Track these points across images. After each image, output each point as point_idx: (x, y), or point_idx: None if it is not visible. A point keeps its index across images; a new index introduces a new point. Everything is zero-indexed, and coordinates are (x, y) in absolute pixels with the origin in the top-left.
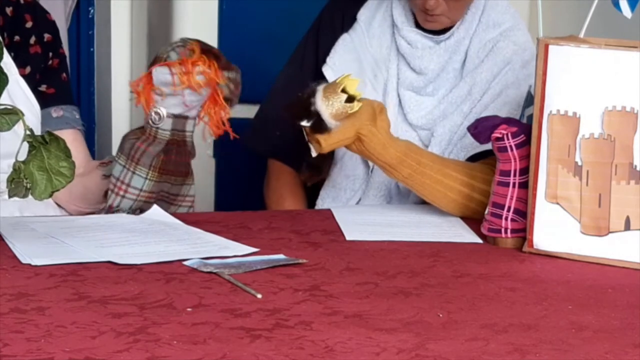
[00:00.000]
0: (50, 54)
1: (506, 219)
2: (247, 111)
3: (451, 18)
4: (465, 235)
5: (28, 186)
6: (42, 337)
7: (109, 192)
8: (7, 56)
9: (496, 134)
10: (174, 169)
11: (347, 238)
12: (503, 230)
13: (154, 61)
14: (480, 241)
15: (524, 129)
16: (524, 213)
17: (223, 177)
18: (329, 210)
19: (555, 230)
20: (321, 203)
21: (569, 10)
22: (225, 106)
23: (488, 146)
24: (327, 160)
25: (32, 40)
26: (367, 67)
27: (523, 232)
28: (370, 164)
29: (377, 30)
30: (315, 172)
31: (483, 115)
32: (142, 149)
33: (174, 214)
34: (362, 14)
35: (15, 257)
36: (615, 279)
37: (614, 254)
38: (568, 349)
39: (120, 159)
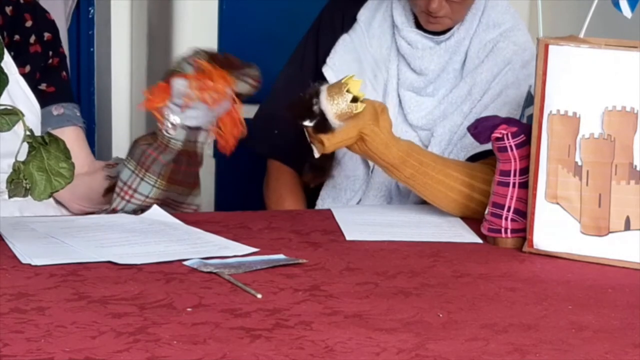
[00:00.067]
0: (50, 53)
1: (506, 219)
2: (247, 111)
3: (454, 19)
4: (465, 235)
5: (27, 187)
6: (42, 337)
7: (115, 195)
8: (7, 55)
9: (496, 134)
10: (183, 179)
11: (347, 238)
12: (503, 230)
13: (170, 72)
14: (480, 241)
15: (524, 129)
16: (524, 213)
17: (223, 177)
18: (329, 210)
19: (555, 230)
20: (321, 203)
21: (569, 10)
22: (240, 125)
23: (488, 146)
24: (330, 161)
25: (32, 39)
26: (367, 67)
27: (523, 232)
28: (371, 164)
29: (377, 30)
30: (319, 173)
31: (483, 115)
32: (153, 156)
33: (174, 214)
34: (362, 14)
35: (15, 257)
36: (615, 279)
37: (614, 254)
38: (568, 349)
39: (130, 164)
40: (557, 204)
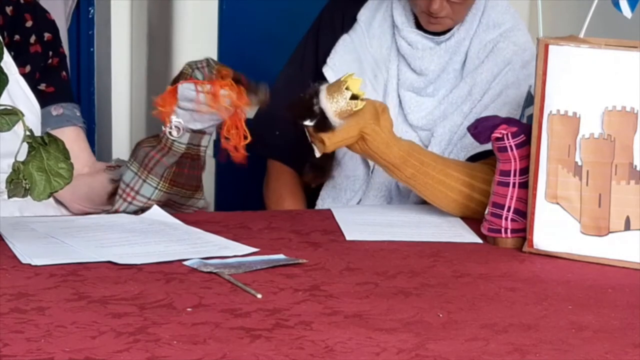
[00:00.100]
0: (50, 53)
1: (506, 219)
2: (247, 111)
3: (454, 20)
4: (465, 235)
5: (27, 187)
6: (42, 337)
7: (117, 197)
8: (7, 55)
9: (496, 134)
10: (185, 182)
11: (347, 238)
12: (503, 230)
13: (178, 77)
14: (480, 241)
15: (524, 129)
16: (524, 213)
17: (223, 177)
18: (329, 210)
19: (555, 230)
20: (321, 203)
21: (569, 10)
22: (246, 131)
23: (488, 146)
24: (331, 161)
25: (32, 39)
26: (367, 67)
27: (523, 232)
28: (371, 164)
29: (377, 30)
30: (319, 173)
31: (483, 115)
32: (156, 158)
33: (174, 214)
34: (362, 15)
35: (15, 257)
36: (615, 279)
37: (614, 254)
38: (568, 349)
39: (133, 166)
40: (557, 204)
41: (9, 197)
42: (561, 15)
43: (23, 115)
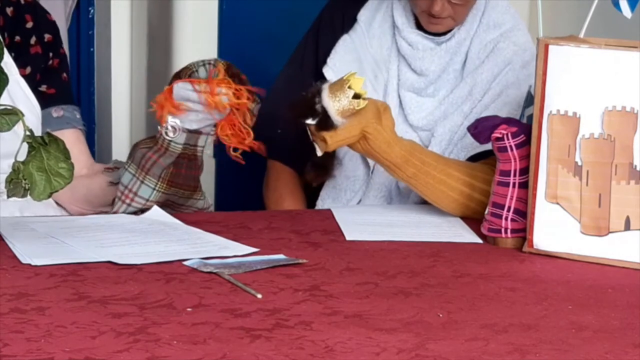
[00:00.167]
0: (51, 54)
1: (506, 219)
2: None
3: (456, 20)
4: (465, 235)
5: (27, 187)
6: (42, 337)
7: (116, 199)
8: (7, 56)
9: (496, 134)
10: (183, 183)
11: (347, 238)
12: (503, 230)
13: (179, 74)
14: (480, 241)
15: (524, 129)
16: (524, 213)
17: (223, 177)
18: (329, 210)
19: (555, 230)
20: (321, 204)
21: (569, 10)
22: (246, 130)
23: (488, 146)
24: (332, 160)
25: (33, 40)
26: (367, 67)
27: (523, 232)
28: (371, 165)
29: (377, 31)
30: (321, 172)
31: (483, 115)
32: (153, 159)
33: (174, 214)
34: (363, 15)
35: (15, 257)
36: (615, 279)
37: (614, 254)
38: (568, 349)
39: (131, 168)
40: (557, 204)
41: (9, 197)
42: (561, 15)
43: (23, 115)
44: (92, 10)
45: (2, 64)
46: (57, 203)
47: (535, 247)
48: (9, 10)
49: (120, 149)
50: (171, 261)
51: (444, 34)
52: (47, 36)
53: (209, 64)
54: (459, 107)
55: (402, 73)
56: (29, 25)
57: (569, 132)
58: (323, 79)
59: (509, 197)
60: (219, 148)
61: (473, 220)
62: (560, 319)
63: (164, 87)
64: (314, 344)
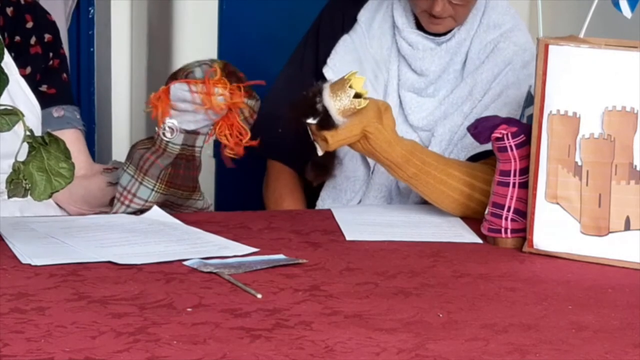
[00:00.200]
0: (51, 54)
1: (506, 219)
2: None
3: (457, 21)
4: (465, 235)
5: (27, 187)
6: (42, 337)
7: (115, 200)
8: (7, 56)
9: (496, 134)
10: (181, 183)
11: (347, 238)
12: (503, 230)
13: (176, 74)
14: (480, 241)
15: (524, 129)
16: (524, 213)
17: (223, 177)
18: (329, 210)
19: (555, 230)
20: (321, 204)
21: (569, 10)
22: (244, 130)
23: (488, 146)
24: (332, 159)
25: (33, 40)
26: (367, 68)
27: (523, 232)
28: (371, 165)
29: (377, 31)
30: (322, 172)
31: (483, 115)
32: (151, 160)
33: (174, 214)
34: (363, 15)
35: (15, 257)
36: (615, 279)
37: (614, 254)
38: (568, 349)
39: (129, 169)
40: (557, 204)
41: (9, 197)
42: (561, 15)
43: (23, 115)
44: (92, 10)
45: (2, 64)
46: (56, 203)
47: (535, 247)
48: (9, 10)
49: (120, 149)
50: (171, 261)
51: (444, 34)
52: (47, 36)
53: (205, 64)
54: (459, 107)
55: (402, 73)
56: (29, 25)
57: (569, 132)
58: (323, 79)
59: (509, 197)
60: (219, 148)
61: (473, 220)
62: (560, 319)
63: None
64: (314, 344)
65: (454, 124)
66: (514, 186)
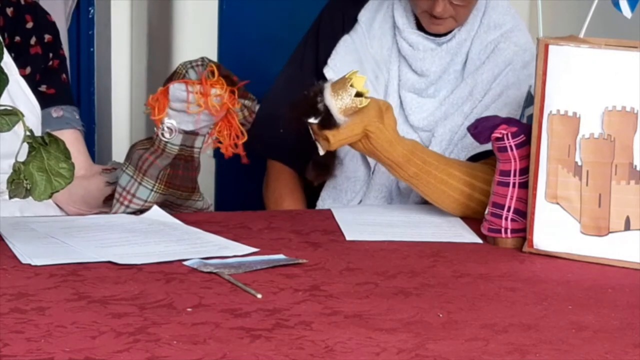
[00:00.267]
0: (51, 54)
1: (506, 219)
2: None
3: (458, 21)
4: (465, 235)
5: (28, 187)
6: (42, 337)
7: (114, 201)
8: (7, 56)
9: (496, 134)
10: (180, 184)
11: (347, 238)
12: (503, 230)
13: (172, 77)
14: (480, 241)
15: (524, 129)
16: (524, 213)
17: (223, 177)
18: (329, 210)
19: (555, 230)
20: (322, 204)
21: (569, 10)
22: (241, 130)
23: (488, 146)
24: (333, 159)
25: (33, 40)
26: (368, 68)
27: (523, 232)
28: (372, 165)
29: (377, 31)
30: (323, 171)
31: (484, 115)
32: (150, 160)
33: (174, 214)
34: (363, 15)
35: (15, 257)
36: (615, 279)
37: (614, 254)
38: (568, 349)
39: (129, 169)
40: (557, 204)
41: (10, 197)
42: (561, 15)
43: (23, 115)
44: (92, 10)
45: (2, 64)
46: (55, 203)
47: (535, 247)
48: (9, 10)
49: (120, 150)
50: (171, 261)
51: (445, 34)
52: (47, 37)
53: (198, 65)
54: (459, 107)
55: (402, 74)
56: (29, 25)
57: (569, 132)
58: (323, 79)
59: (509, 197)
60: (219, 148)
61: (473, 220)
62: (560, 319)
63: None
64: (314, 344)
65: (454, 124)
66: (514, 186)
